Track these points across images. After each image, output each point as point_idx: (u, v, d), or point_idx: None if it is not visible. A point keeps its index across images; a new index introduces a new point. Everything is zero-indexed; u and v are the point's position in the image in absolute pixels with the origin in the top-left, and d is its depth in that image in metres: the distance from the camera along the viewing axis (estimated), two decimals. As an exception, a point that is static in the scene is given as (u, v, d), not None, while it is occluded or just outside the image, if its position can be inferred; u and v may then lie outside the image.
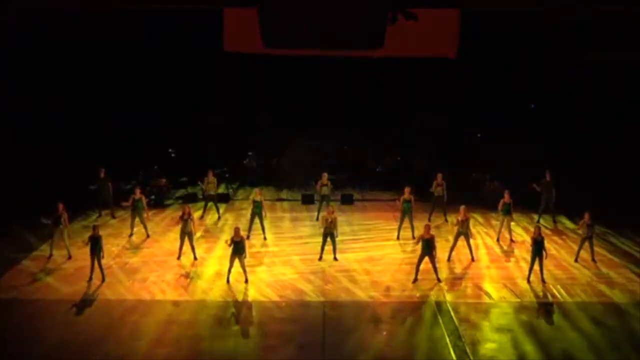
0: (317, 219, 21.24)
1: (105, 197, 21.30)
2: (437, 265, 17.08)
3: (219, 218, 21.65)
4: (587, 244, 18.11)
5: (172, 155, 25.64)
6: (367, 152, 26.80)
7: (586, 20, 18.74)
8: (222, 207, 22.40)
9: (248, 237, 19.14)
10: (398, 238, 19.90)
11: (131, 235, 19.83)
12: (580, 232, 18.30)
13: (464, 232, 18.06)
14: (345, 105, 24.61)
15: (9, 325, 14.60)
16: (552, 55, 23.11)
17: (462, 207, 18.30)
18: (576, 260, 18.15)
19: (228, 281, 16.61)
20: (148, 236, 19.74)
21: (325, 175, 21.51)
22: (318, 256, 18.28)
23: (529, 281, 16.83)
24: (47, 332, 14.28)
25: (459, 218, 18.08)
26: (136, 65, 23.53)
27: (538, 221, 21.05)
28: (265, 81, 24.37)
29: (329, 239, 18.08)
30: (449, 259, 18.19)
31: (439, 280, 16.80)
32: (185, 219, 17.87)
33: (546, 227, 20.86)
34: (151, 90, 23.97)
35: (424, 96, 24.35)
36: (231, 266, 16.59)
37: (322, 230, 18.28)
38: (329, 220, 17.96)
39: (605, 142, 23.18)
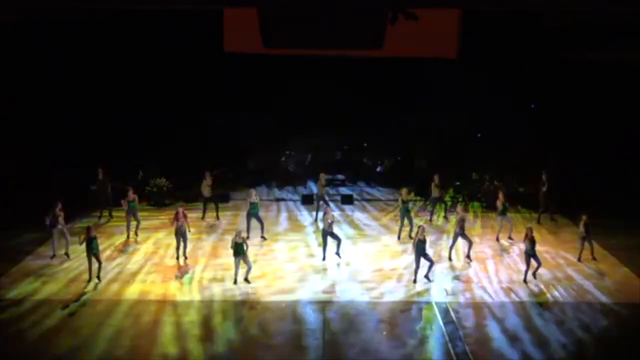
0: (316, 219, 21.25)
1: (104, 197, 21.30)
2: (434, 266, 17.06)
3: (218, 219, 21.64)
4: (586, 243, 18.14)
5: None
6: (367, 152, 26.79)
7: (586, 20, 18.71)
8: (223, 207, 22.40)
9: (248, 238, 19.14)
10: (399, 238, 19.90)
11: (129, 236, 19.84)
12: (579, 232, 18.27)
13: (461, 231, 18.09)
14: (346, 105, 24.58)
15: (8, 324, 14.60)
16: (552, 55, 23.09)
17: (459, 207, 18.46)
18: (579, 260, 18.16)
19: (235, 282, 16.58)
20: (137, 235, 19.83)
21: (322, 176, 21.51)
22: (317, 256, 18.32)
23: (525, 281, 16.83)
24: (46, 332, 14.29)
25: (457, 217, 18.15)
26: (136, 65, 23.49)
27: (538, 222, 21.05)
28: (265, 81, 24.34)
29: (329, 238, 18.08)
30: (450, 259, 18.21)
31: (428, 279, 16.76)
32: (180, 219, 17.89)
33: (543, 227, 20.86)
34: (151, 90, 23.93)
35: (424, 96, 24.33)
36: (237, 268, 16.59)
37: (322, 230, 18.32)
38: (328, 220, 17.98)
39: (604, 141, 23.15)
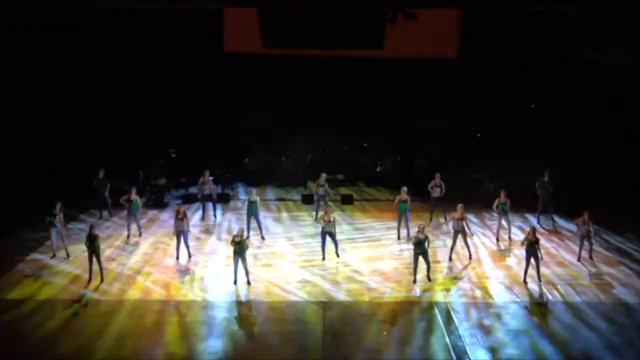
0: (316, 219, 21.26)
1: (102, 197, 21.29)
2: (432, 266, 17.05)
3: (216, 218, 21.62)
4: (585, 242, 18.15)
5: (173, 155, 25.62)
6: (367, 152, 26.80)
7: (586, 20, 18.73)
8: (223, 207, 22.40)
9: (248, 237, 19.13)
10: (399, 238, 19.90)
11: (129, 236, 19.84)
12: (580, 231, 18.25)
13: (460, 230, 18.07)
14: (346, 105, 24.59)
15: (10, 326, 14.57)
16: (552, 55, 23.09)
17: (459, 206, 18.34)
18: (579, 260, 18.15)
19: (235, 282, 16.51)
20: (140, 235, 19.82)
21: (323, 176, 21.49)
22: (317, 256, 18.29)
23: (525, 281, 16.81)
24: (46, 332, 14.27)
25: (456, 217, 18.14)
26: (136, 65, 23.51)
27: (538, 222, 21.04)
28: (265, 81, 24.34)
29: (328, 238, 18.08)
30: (450, 259, 18.20)
31: (429, 279, 16.77)
32: (180, 219, 17.86)
33: (544, 227, 20.87)
34: (151, 90, 23.94)
35: (424, 96, 24.33)
36: (236, 267, 16.55)
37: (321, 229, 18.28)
38: (327, 219, 17.96)
39: (604, 141, 23.16)
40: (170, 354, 13.54)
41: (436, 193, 21.26)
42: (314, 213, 21.83)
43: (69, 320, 14.83)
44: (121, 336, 14.12)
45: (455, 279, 17.24)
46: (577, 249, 18.40)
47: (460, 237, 18.17)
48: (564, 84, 23.45)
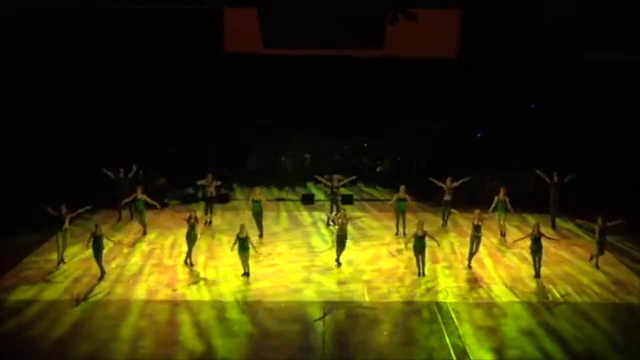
0: (334, 221, 20.51)
1: (121, 197, 21.22)
2: (433, 266, 17.02)
3: (213, 217, 21.59)
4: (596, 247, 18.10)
5: (170, 150, 25.57)
6: (367, 152, 26.81)
7: (586, 20, 18.73)
8: (223, 207, 22.38)
9: (261, 236, 19.08)
10: (397, 233, 20.03)
11: (145, 233, 19.89)
12: (595, 236, 18.08)
13: (478, 236, 17.78)
14: (346, 105, 24.62)
15: (9, 325, 14.54)
16: (552, 55, 23.10)
17: (477, 211, 17.82)
18: (595, 265, 17.95)
19: (248, 275, 16.80)
20: (145, 233, 19.89)
21: (335, 178, 21.27)
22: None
23: (538, 277, 16.85)
24: (47, 333, 14.23)
25: (474, 222, 17.68)
26: (137, 65, 23.52)
27: (553, 225, 20.93)
28: (265, 81, 24.35)
29: (340, 242, 17.90)
30: (469, 266, 17.82)
31: (422, 274, 16.87)
32: (192, 223, 17.71)
33: (545, 226, 20.84)
34: (151, 91, 23.94)
35: (423, 96, 24.34)
36: (243, 263, 16.80)
37: (334, 233, 18.20)
38: (341, 222, 17.85)
39: (604, 141, 23.18)
40: (169, 354, 13.46)
41: (448, 196, 21.02)
42: (314, 213, 21.80)
43: (78, 323, 14.65)
44: (121, 336, 14.06)
45: (456, 279, 17.21)
46: (576, 248, 18.37)
47: (474, 242, 17.78)
48: (564, 84, 23.45)
